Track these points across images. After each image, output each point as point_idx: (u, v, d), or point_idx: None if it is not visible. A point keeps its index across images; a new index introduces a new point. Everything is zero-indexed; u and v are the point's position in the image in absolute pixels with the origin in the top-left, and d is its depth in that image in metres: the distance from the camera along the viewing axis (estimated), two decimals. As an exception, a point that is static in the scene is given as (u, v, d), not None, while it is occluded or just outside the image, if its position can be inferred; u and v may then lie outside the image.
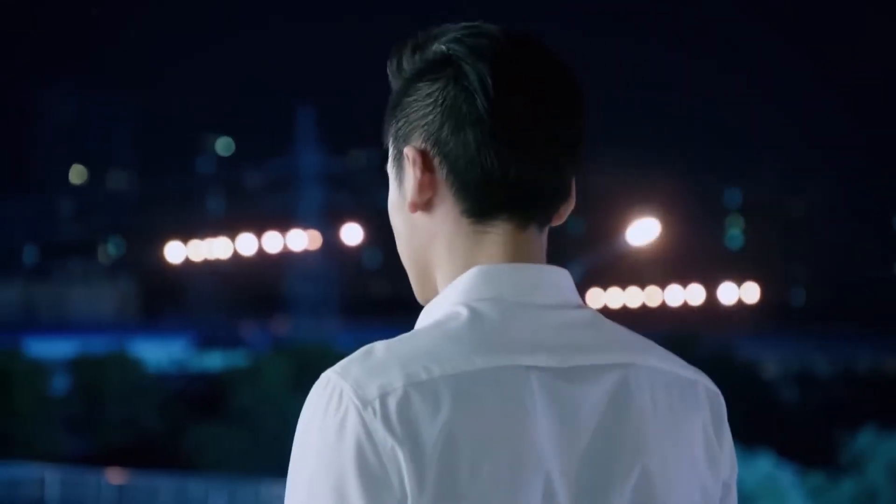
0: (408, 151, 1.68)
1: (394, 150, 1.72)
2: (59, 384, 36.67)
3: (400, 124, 1.70)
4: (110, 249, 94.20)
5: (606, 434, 1.60)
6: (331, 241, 50.36)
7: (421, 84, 1.69)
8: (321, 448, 1.57)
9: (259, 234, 43.96)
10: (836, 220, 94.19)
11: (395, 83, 1.73)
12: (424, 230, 1.70)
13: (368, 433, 1.55)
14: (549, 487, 1.56)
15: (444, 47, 1.69)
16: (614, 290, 49.00)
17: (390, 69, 1.73)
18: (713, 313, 48.35)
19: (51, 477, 23.72)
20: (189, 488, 25.30)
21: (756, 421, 36.34)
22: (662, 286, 47.79)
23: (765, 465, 27.21)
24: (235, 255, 45.57)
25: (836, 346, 45.46)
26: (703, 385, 1.72)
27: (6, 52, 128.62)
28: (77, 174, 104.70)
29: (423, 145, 1.67)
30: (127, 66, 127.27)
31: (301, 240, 46.36)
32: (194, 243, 47.93)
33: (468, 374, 1.57)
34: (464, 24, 1.70)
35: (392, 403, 1.56)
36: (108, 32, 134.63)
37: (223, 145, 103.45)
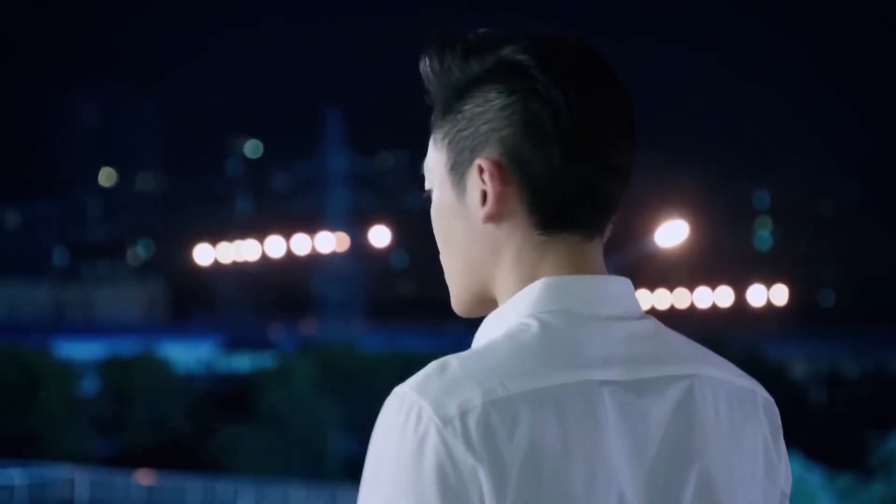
0: (483, 163, 1.66)
1: (453, 157, 1.70)
2: (88, 385, 36.82)
3: (466, 133, 1.68)
4: (139, 251, 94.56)
5: (672, 445, 1.62)
6: (358, 242, 50.43)
7: (490, 92, 1.67)
8: (399, 468, 1.54)
9: (287, 236, 44.04)
10: (864, 222, 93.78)
11: (437, 83, 1.71)
12: (489, 241, 1.69)
13: (449, 452, 1.53)
14: (622, 501, 1.58)
15: (517, 57, 1.67)
16: (643, 292, 48.89)
17: (431, 67, 1.71)
18: (742, 315, 48.20)
19: (80, 478, 23.81)
20: (217, 489, 25.36)
21: (784, 423, 36.05)
22: (691, 288, 47.66)
23: (794, 467, 27.06)
24: (264, 256, 45.66)
25: (865, 347, 45.26)
26: (760, 394, 1.77)
27: (35, 57, 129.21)
28: (106, 176, 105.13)
29: (500, 157, 1.67)
30: (156, 68, 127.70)
31: (329, 242, 46.41)
32: (223, 245, 48.06)
33: (544, 390, 1.58)
34: (529, 32, 1.70)
35: (472, 421, 1.54)
36: (137, 36, 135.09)
37: (251, 147, 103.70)
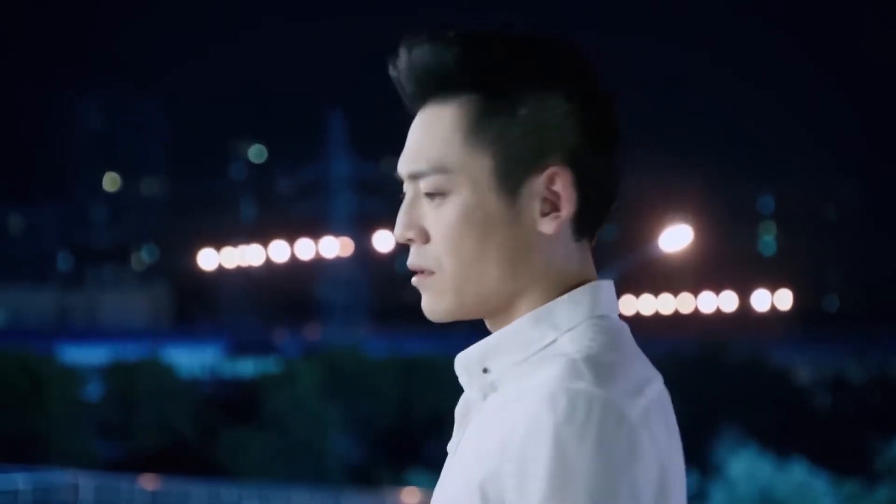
0: (557, 171, 1.66)
1: (507, 162, 1.67)
2: (93, 390, 36.83)
3: (530, 139, 1.66)
4: (143, 256, 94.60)
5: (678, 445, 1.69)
6: (363, 247, 50.45)
7: (550, 98, 1.66)
8: (611, 470, 1.53)
9: (291, 241, 44.07)
10: (869, 225, 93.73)
11: (466, 78, 1.67)
12: (536, 246, 1.68)
13: (647, 450, 1.56)
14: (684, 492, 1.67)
15: (573, 62, 1.68)
16: (647, 297, 48.89)
17: (452, 59, 1.67)
18: (746, 320, 48.17)
19: (84, 483, 23.81)
20: (222, 494, 25.36)
21: (790, 428, 36.17)
22: (695, 293, 47.66)
23: (798, 472, 27.07)
24: (268, 261, 45.69)
25: (870, 351, 45.19)
26: None
27: (38, 61, 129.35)
28: (110, 181, 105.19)
29: (568, 165, 1.67)
30: (160, 73, 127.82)
31: (333, 246, 46.45)
32: (227, 250, 48.10)
33: (660, 391, 1.64)
34: (558, 39, 1.69)
35: (650, 419, 1.59)
36: (141, 40, 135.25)
37: (255, 152, 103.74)
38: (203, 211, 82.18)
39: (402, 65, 1.72)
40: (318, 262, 49.98)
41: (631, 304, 45.98)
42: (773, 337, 48.05)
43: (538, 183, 1.66)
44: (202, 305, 73.03)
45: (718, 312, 46.03)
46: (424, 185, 1.69)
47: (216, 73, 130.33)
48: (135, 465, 30.60)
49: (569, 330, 1.65)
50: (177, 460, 32.07)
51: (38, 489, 22.64)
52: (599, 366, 1.58)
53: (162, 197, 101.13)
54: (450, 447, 1.73)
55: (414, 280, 1.72)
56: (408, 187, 1.71)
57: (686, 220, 22.59)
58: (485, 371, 1.69)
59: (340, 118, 59.79)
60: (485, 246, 1.67)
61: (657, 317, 47.79)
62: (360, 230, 52.34)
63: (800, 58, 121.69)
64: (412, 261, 1.71)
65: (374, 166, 65.30)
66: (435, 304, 1.71)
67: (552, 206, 1.66)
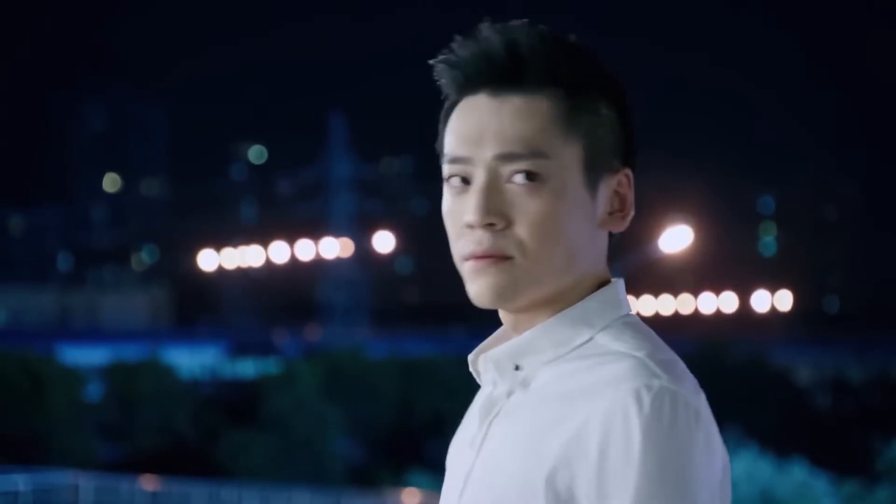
0: (627, 173, 1.74)
1: (592, 156, 1.71)
2: (93, 391, 36.83)
3: (611, 138, 1.73)
4: (144, 257, 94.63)
5: None
6: (363, 248, 50.46)
7: (612, 103, 1.73)
8: (696, 465, 1.58)
9: (291, 242, 44.06)
10: (869, 226, 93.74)
11: (564, 65, 1.71)
12: (595, 242, 1.74)
13: (718, 444, 1.62)
14: None
15: (607, 72, 1.74)
16: (647, 298, 48.90)
17: (546, 54, 1.70)
18: (746, 321, 48.17)
19: (84, 484, 23.80)
20: (222, 495, 25.35)
21: (790, 428, 36.18)
22: (695, 294, 47.66)
23: (799, 472, 27.06)
24: (268, 262, 45.69)
25: (871, 352, 45.20)
26: None
27: (39, 62, 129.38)
28: (111, 182, 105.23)
29: (627, 167, 1.75)
30: (160, 74, 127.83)
31: (333, 247, 46.44)
32: (227, 251, 48.09)
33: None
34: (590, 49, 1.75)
35: (710, 415, 1.64)
36: (141, 42, 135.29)
37: (256, 153, 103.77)
38: (203, 212, 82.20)
39: (476, 50, 1.71)
40: (319, 263, 49.98)
41: (631, 305, 45.89)
42: (773, 338, 48.06)
43: (612, 182, 1.72)
44: (203, 306, 73.03)
45: (719, 313, 46.04)
46: (519, 166, 1.68)
47: (216, 75, 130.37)
48: (135, 465, 30.59)
49: (603, 329, 1.70)
50: (177, 461, 32.06)
51: (38, 490, 22.64)
52: (665, 364, 1.62)
53: (162, 197, 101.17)
54: (468, 442, 1.74)
55: (474, 265, 1.69)
56: (479, 172, 1.69)
57: (686, 221, 22.59)
58: (516, 368, 1.71)
59: (340, 119, 59.82)
60: (567, 236, 1.70)
61: (657, 318, 47.78)
62: (361, 231, 52.35)
63: (800, 58, 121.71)
64: (489, 245, 1.67)
65: (374, 167, 65.30)
66: (504, 290, 1.69)
67: (618, 206, 1.73)
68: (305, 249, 44.35)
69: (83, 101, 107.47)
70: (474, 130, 1.69)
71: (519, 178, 1.67)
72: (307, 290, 60.27)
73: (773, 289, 49.06)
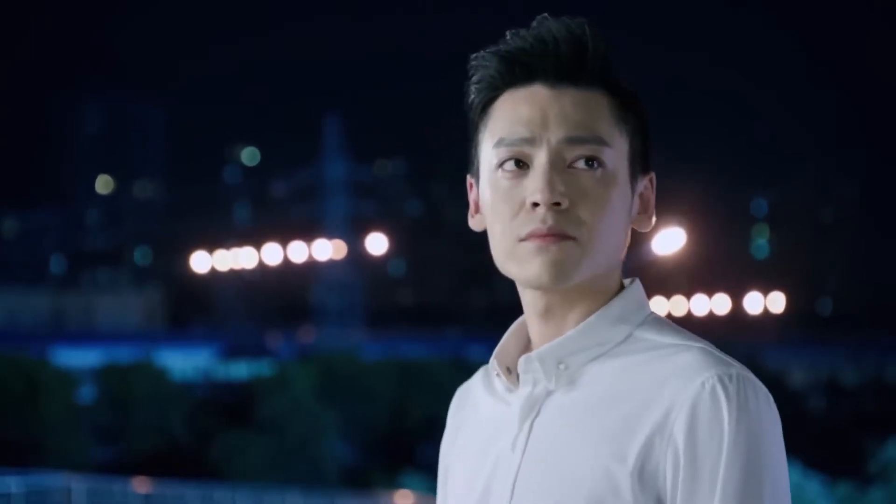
0: (652, 179, 1.83)
1: (634, 154, 1.79)
2: (87, 393, 36.79)
3: (647, 141, 1.82)
4: (137, 259, 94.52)
5: None
6: (356, 250, 50.42)
7: (638, 108, 1.82)
8: (779, 444, 1.72)
9: (284, 244, 44.00)
10: (863, 229, 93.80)
11: (604, 73, 1.78)
12: (625, 238, 1.82)
13: (780, 425, 1.76)
14: None
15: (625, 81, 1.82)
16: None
17: (602, 53, 1.79)
18: (740, 323, 48.18)
19: (77, 486, 23.78)
20: (216, 497, 25.34)
21: (784, 430, 36.22)
22: (688, 296, 47.65)
23: (792, 474, 27.07)
24: (261, 264, 45.62)
25: (865, 355, 45.25)
26: None
27: (33, 64, 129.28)
28: (104, 184, 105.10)
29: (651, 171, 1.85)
30: (154, 76, 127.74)
31: (326, 249, 46.38)
32: (220, 253, 48.02)
33: None
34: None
35: None
36: (135, 43, 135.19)
37: (249, 155, 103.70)
38: (197, 214, 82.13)
39: (540, 40, 1.76)
40: (312, 265, 49.95)
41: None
42: (767, 340, 48.08)
43: (644, 181, 1.81)
44: (196, 308, 72.96)
45: (712, 315, 46.01)
46: (583, 150, 1.73)
47: (210, 77, 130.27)
48: (128, 467, 30.56)
49: (639, 325, 1.76)
50: (171, 463, 32.04)
51: (30, 492, 22.62)
52: (722, 356, 1.71)
53: (155, 200, 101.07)
54: (508, 445, 1.74)
55: (536, 244, 1.72)
56: (542, 153, 1.73)
57: (679, 223, 22.60)
58: (559, 366, 1.74)
59: (334, 121, 59.79)
60: (618, 223, 1.78)
61: (651, 320, 47.73)
62: (354, 233, 52.32)
63: (800, 58, 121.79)
64: (553, 223, 1.71)
65: (368, 169, 65.28)
66: (565, 269, 1.72)
67: (644, 207, 1.81)
68: (299, 251, 44.29)
69: (81, 102, 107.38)
70: (537, 114, 1.74)
71: (580, 164, 1.73)
72: (301, 291, 60.24)
73: (765, 291, 49.05)
